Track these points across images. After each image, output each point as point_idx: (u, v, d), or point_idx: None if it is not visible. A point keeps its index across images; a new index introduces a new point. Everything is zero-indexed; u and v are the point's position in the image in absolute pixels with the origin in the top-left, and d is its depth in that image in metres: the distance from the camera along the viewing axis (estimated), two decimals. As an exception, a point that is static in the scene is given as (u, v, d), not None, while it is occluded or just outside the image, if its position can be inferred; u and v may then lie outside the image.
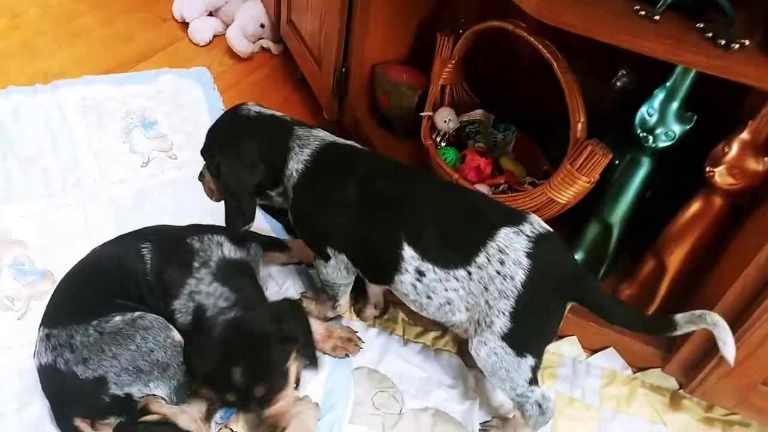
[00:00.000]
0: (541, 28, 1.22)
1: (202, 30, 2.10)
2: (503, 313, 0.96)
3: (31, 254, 1.34)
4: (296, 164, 1.08)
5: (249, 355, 0.97)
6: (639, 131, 1.08)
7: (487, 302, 0.97)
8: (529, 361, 0.99)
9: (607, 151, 1.07)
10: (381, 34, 1.51)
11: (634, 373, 1.24)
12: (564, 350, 1.26)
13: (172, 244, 1.11)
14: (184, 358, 1.03)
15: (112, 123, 1.71)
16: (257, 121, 1.12)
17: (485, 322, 0.98)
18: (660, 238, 1.14)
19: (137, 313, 1.03)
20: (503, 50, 1.49)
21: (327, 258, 1.11)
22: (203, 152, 1.16)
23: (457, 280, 0.99)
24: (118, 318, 1.02)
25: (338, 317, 1.28)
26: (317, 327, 1.21)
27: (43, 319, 1.06)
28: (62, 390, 1.00)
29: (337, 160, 1.10)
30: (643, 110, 1.08)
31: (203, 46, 2.11)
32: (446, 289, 1.00)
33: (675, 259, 1.12)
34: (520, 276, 0.94)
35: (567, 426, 1.16)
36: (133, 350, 1.00)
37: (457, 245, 0.99)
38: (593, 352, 1.27)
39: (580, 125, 1.12)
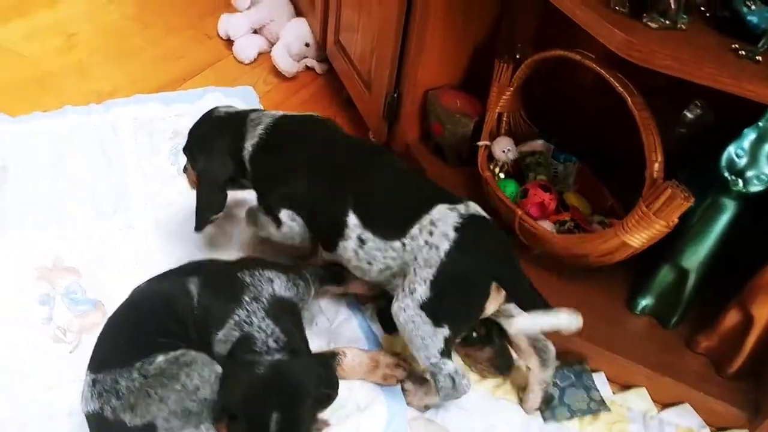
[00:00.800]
0: (607, 58, 1.16)
1: (247, 48, 2.08)
2: (425, 281, 1.00)
3: (83, 282, 1.32)
4: (251, 140, 1.19)
5: (288, 406, 0.93)
6: (726, 173, 1.00)
7: (414, 270, 1.02)
8: (445, 332, 1.02)
9: (688, 195, 1.00)
10: (435, 58, 1.46)
11: (714, 433, 1.15)
12: (632, 403, 1.18)
13: (221, 278, 1.08)
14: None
15: (162, 143, 1.70)
16: (226, 120, 1.24)
17: (409, 288, 1.02)
18: (747, 287, 1.06)
19: (179, 351, 0.99)
20: (564, 77, 1.42)
21: (279, 223, 1.18)
22: (185, 150, 1.29)
23: (394, 250, 1.05)
24: (160, 357, 0.98)
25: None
26: (363, 359, 1.17)
27: (89, 363, 1.03)
28: None
29: (291, 128, 1.20)
30: (730, 150, 1.00)
31: (248, 64, 2.09)
32: (384, 257, 1.06)
33: (765, 311, 1.03)
34: (445, 246, 0.99)
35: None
36: (179, 390, 0.96)
37: (396, 218, 1.05)
38: (665, 406, 1.18)
39: (657, 165, 1.05)
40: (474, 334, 1.22)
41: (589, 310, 1.21)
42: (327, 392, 1.00)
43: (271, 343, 1.00)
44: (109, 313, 1.08)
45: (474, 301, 1.03)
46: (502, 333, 1.22)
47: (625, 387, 1.20)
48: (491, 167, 1.37)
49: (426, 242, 1.00)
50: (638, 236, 1.07)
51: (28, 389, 1.12)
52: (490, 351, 1.21)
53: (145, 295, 1.10)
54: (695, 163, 1.11)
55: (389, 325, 1.26)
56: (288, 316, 1.06)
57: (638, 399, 1.18)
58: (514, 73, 1.33)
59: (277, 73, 2.05)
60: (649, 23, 0.89)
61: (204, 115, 1.29)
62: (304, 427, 0.94)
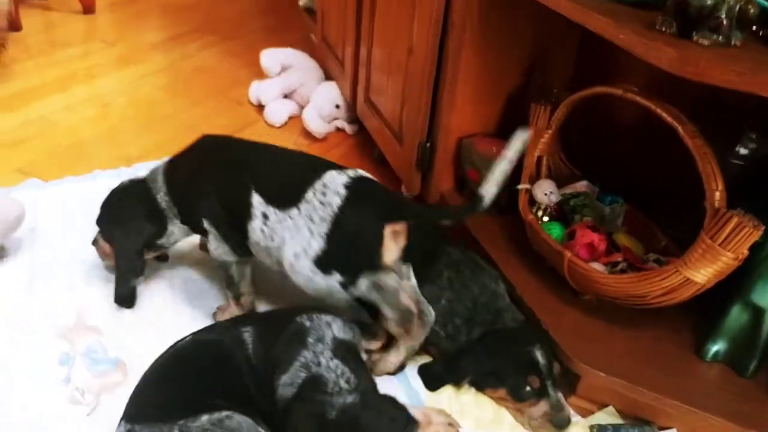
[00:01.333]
0: (649, 90, 1.13)
1: (278, 112, 2.11)
2: (321, 236, 1.07)
3: (105, 340, 1.26)
4: (160, 192, 1.30)
5: None
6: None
7: (309, 230, 1.08)
8: (337, 277, 1.08)
9: (758, 223, 0.92)
10: (468, 107, 1.44)
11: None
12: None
13: (279, 324, 1.05)
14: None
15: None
16: (130, 188, 1.35)
17: (304, 250, 1.08)
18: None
19: (224, 413, 0.92)
20: (601, 116, 1.39)
21: (206, 234, 1.25)
22: (98, 222, 1.36)
23: (291, 218, 1.11)
24: (204, 418, 0.91)
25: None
26: (414, 415, 1.06)
27: (125, 412, 0.96)
28: None
29: (183, 158, 1.30)
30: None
31: (278, 127, 2.11)
32: (282, 229, 1.12)
33: None
34: (337, 202, 1.07)
35: None
36: None
37: (291, 188, 1.13)
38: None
39: (718, 194, 0.98)
40: (528, 388, 1.11)
41: (653, 359, 1.12)
42: None
43: (343, 384, 0.94)
44: (131, 373, 1.01)
45: (368, 248, 1.07)
46: (557, 385, 1.12)
47: (661, 429, 1.08)
48: (533, 211, 1.31)
49: (320, 202, 1.08)
50: (703, 271, 0.99)
51: (40, 455, 1.04)
52: (546, 405, 1.10)
53: (194, 347, 1.04)
54: (756, 195, 1.04)
55: (432, 383, 1.18)
56: (353, 357, 1.01)
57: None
58: (551, 116, 1.30)
59: (308, 134, 2.07)
60: (700, 40, 0.85)
61: (113, 189, 1.37)
62: None
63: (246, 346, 1.00)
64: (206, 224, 1.24)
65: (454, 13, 1.33)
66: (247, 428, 0.91)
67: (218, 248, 1.25)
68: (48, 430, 1.08)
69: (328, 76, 2.21)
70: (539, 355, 1.12)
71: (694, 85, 0.83)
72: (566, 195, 1.30)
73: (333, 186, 1.08)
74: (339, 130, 2.12)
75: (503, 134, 1.49)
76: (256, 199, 1.14)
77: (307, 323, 1.03)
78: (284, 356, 0.98)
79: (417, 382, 1.19)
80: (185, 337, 1.06)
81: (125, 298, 1.32)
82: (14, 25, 2.50)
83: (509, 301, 1.23)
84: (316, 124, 2.02)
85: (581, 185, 1.32)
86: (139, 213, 1.31)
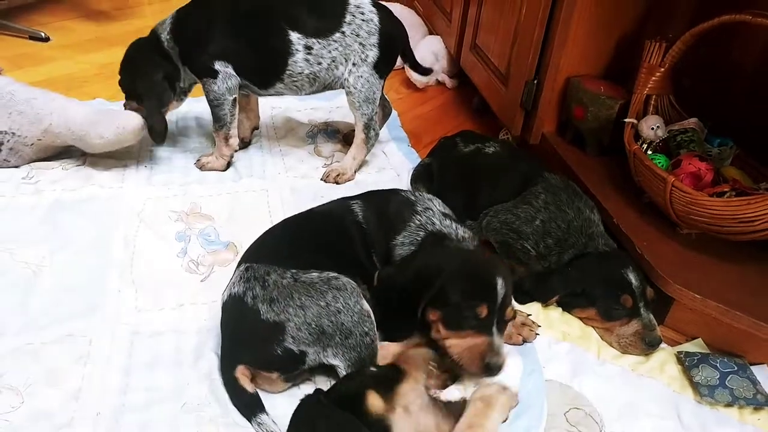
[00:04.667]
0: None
1: (381, 63, 2.18)
2: (374, 46, 1.43)
3: (218, 227, 1.38)
4: (165, 32, 1.45)
5: (509, 277, 0.96)
6: None
7: (361, 44, 1.42)
8: (382, 82, 1.50)
9: None
10: (580, 46, 1.45)
11: None
12: None
13: (385, 196, 1.16)
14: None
15: (298, 128, 1.82)
16: (140, 41, 1.50)
17: (361, 58, 1.43)
18: None
19: (332, 274, 1.00)
20: (717, 60, 1.36)
21: (215, 74, 1.43)
22: (122, 84, 1.51)
23: (336, 41, 1.42)
24: (314, 273, 0.99)
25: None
26: None
27: (244, 255, 1.06)
28: (240, 326, 0.98)
29: (192, 4, 1.45)
30: None
31: (381, 76, 2.19)
32: (329, 52, 1.42)
33: None
34: (376, 18, 1.43)
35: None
36: (322, 306, 0.95)
37: (328, 17, 1.41)
38: None
39: None
40: (619, 308, 1.12)
41: (756, 290, 1.10)
42: None
43: (463, 234, 1.06)
44: (241, 254, 1.11)
45: (396, 56, 1.53)
46: (649, 307, 1.12)
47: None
48: (639, 144, 1.30)
49: (363, 20, 1.41)
50: (822, 196, 0.96)
51: (163, 305, 1.16)
52: (638, 324, 1.11)
53: (313, 213, 1.15)
54: None
55: (520, 298, 1.21)
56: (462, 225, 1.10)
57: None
58: (665, 53, 1.29)
59: (409, 84, 2.13)
60: None
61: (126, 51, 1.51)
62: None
63: (355, 214, 1.09)
64: (218, 64, 1.41)
65: (574, -53, 1.34)
66: (351, 289, 0.98)
67: (224, 83, 1.43)
68: (168, 287, 1.20)
69: (431, 31, 2.26)
70: (632, 277, 1.12)
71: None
72: (673, 131, 1.29)
73: (365, 6, 1.42)
74: (439, 83, 2.17)
75: (610, 77, 1.49)
76: (294, 36, 1.39)
77: (412, 197, 1.11)
78: (397, 219, 1.07)
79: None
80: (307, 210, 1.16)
81: (159, 132, 1.48)
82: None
83: (603, 229, 1.24)
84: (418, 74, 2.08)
85: (690, 122, 1.30)
86: (149, 57, 1.46)
